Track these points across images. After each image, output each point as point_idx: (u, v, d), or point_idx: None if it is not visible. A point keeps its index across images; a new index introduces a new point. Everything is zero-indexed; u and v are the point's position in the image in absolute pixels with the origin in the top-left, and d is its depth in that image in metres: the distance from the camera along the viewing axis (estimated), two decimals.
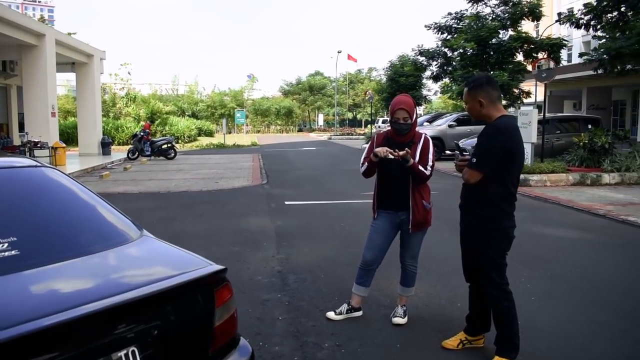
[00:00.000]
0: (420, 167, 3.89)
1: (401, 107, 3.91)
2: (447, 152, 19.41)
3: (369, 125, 53.12)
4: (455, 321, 4.10)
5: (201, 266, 2.24)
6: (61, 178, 2.79)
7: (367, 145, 4.26)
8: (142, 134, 20.89)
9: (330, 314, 4.24)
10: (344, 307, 4.26)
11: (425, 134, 4.10)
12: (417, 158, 3.92)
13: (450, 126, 20.13)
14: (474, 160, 3.25)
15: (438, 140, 18.85)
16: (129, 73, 38.16)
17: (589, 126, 15.24)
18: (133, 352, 1.84)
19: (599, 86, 34.19)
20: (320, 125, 60.11)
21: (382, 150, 3.83)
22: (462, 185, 3.52)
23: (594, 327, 4.05)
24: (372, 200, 4.22)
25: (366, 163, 4.05)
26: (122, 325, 1.82)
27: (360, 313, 4.28)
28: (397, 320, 4.12)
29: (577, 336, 3.88)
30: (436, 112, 35.47)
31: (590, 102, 36.76)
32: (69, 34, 21.73)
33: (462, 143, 16.17)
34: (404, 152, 3.79)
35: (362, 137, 38.30)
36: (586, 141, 13.18)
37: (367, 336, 3.91)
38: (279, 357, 3.58)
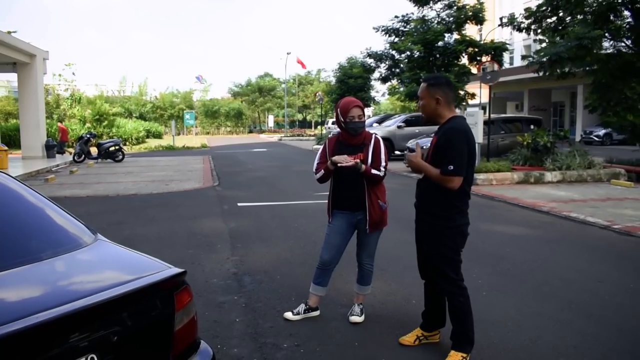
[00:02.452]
0: (374, 171, 3.93)
1: (356, 104, 3.95)
2: (397, 152, 19.71)
3: (318, 127, 53.32)
4: (411, 318, 4.18)
5: (160, 270, 2.20)
6: (7, 181, 2.67)
7: (318, 147, 4.27)
8: (88, 135, 20.27)
9: (288, 315, 4.23)
10: (302, 307, 4.26)
11: (376, 134, 4.14)
12: (370, 160, 3.97)
13: (399, 127, 20.46)
14: (451, 167, 3.21)
15: (387, 141, 19.11)
16: (73, 74, 36.97)
17: (532, 126, 15.83)
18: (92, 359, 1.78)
19: (540, 88, 35.58)
20: (271, 127, 59.87)
21: (341, 159, 3.85)
22: (416, 185, 3.59)
23: (541, 319, 4.21)
24: (327, 202, 4.24)
25: (322, 170, 4.05)
26: (78, 334, 1.76)
27: (317, 313, 4.29)
28: (355, 318, 4.16)
29: (526, 328, 4.03)
30: (385, 113, 35.94)
31: (531, 104, 38.22)
32: (9, 32, 20.76)
33: (411, 143, 16.49)
34: (352, 163, 3.82)
35: (313, 138, 38.40)
36: (530, 141, 13.67)
37: (325, 335, 3.93)
38: (238, 359, 3.55)
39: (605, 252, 6.43)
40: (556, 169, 13.30)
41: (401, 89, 28.27)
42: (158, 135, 41.15)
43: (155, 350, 2.08)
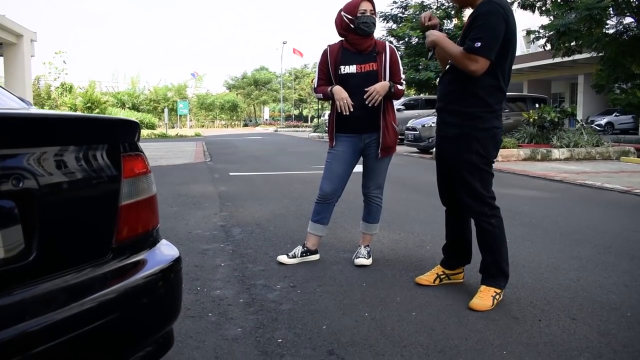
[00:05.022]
0: (398, 86, 3.39)
1: None
2: None
3: (315, 120, 52.62)
4: (426, 262, 3.58)
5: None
6: None
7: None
8: None
9: (282, 258, 3.60)
10: (299, 250, 3.64)
11: (390, 44, 3.54)
12: (388, 72, 3.38)
13: (398, 110, 19.76)
14: (478, 44, 2.59)
15: None
16: (64, 62, 35.78)
17: (536, 105, 15.23)
18: None
19: (539, 79, 35.05)
20: (267, 119, 59.11)
21: (342, 99, 3.30)
22: (438, 83, 2.98)
23: (578, 261, 3.61)
24: (328, 129, 3.63)
25: (321, 94, 3.47)
26: None
27: (317, 257, 3.67)
28: (361, 261, 3.54)
29: (562, 270, 3.42)
30: None
31: None
32: None
33: (412, 123, 15.89)
34: (382, 89, 3.27)
35: (309, 129, 37.73)
36: (536, 117, 13.08)
37: (326, 277, 3.31)
38: (220, 299, 2.93)
39: (631, 209, 5.84)
40: (563, 146, 12.72)
41: None
42: (151, 127, 40.16)
43: (88, 227, 1.45)
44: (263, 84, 60.86)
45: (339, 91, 3.34)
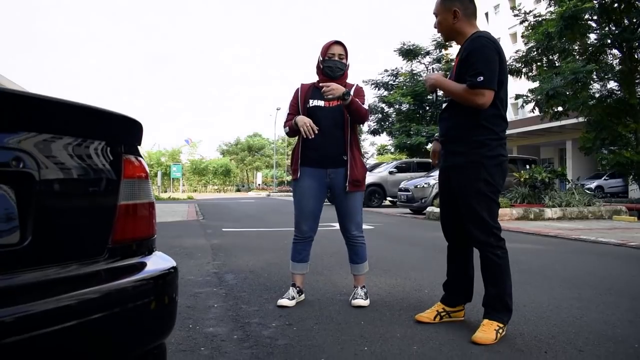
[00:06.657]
0: (358, 100, 3.34)
1: (337, 41, 3.42)
2: (389, 199, 19.15)
3: None
4: (424, 303, 3.49)
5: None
6: None
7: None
8: None
9: (284, 301, 3.45)
10: (294, 291, 3.53)
11: (357, 84, 3.55)
12: None
13: (390, 173, 19.91)
14: (481, 78, 2.62)
15: (379, 187, 18.65)
16: None
17: (527, 167, 15.44)
18: None
19: (528, 145, 35.74)
20: (259, 184, 59.33)
21: (304, 124, 3.27)
22: (439, 120, 3.01)
23: (579, 302, 3.54)
24: (292, 159, 3.58)
25: (288, 127, 3.45)
26: None
27: (303, 297, 3.60)
28: (359, 301, 3.44)
29: (565, 308, 3.35)
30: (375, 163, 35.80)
31: None
32: None
33: (405, 184, 15.99)
34: (341, 92, 3.20)
35: None
36: (527, 177, 13.22)
37: (323, 317, 3.21)
38: (213, 336, 2.82)
39: (628, 259, 5.80)
40: (556, 206, 12.79)
41: (391, 140, 28.28)
42: None
43: (85, 220, 1.41)
44: (256, 150, 61.55)
45: (301, 118, 3.31)
